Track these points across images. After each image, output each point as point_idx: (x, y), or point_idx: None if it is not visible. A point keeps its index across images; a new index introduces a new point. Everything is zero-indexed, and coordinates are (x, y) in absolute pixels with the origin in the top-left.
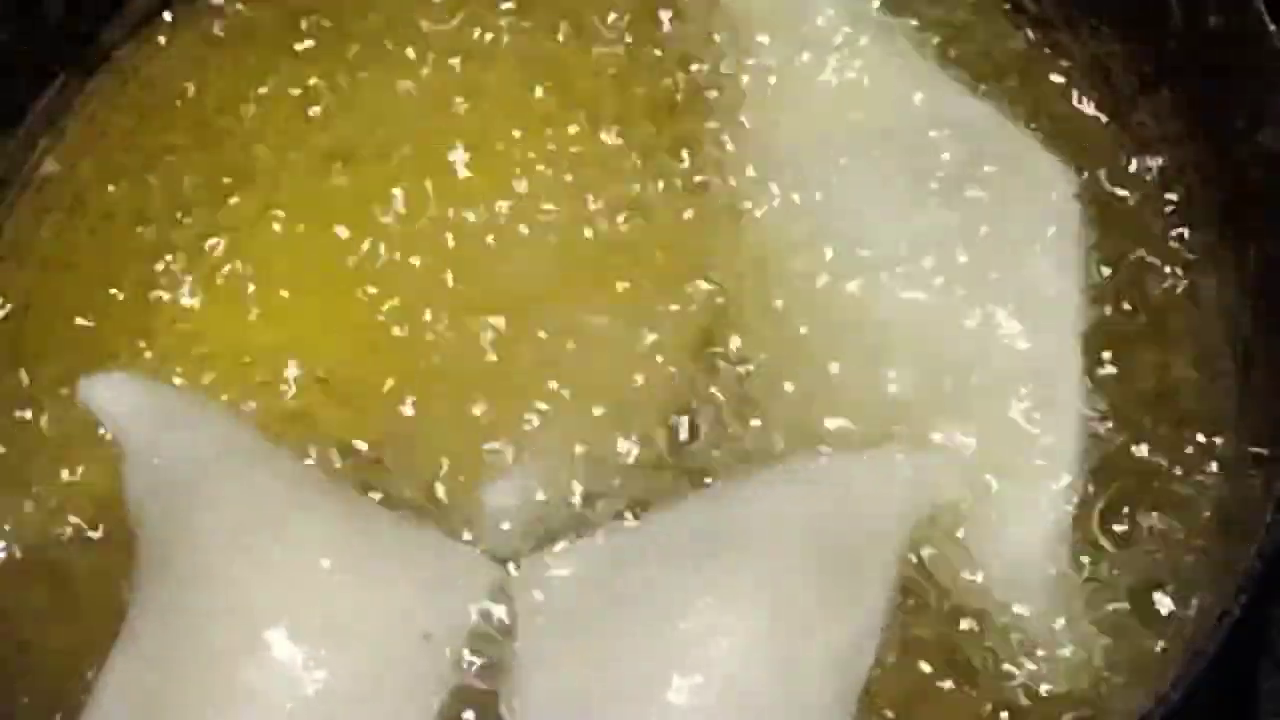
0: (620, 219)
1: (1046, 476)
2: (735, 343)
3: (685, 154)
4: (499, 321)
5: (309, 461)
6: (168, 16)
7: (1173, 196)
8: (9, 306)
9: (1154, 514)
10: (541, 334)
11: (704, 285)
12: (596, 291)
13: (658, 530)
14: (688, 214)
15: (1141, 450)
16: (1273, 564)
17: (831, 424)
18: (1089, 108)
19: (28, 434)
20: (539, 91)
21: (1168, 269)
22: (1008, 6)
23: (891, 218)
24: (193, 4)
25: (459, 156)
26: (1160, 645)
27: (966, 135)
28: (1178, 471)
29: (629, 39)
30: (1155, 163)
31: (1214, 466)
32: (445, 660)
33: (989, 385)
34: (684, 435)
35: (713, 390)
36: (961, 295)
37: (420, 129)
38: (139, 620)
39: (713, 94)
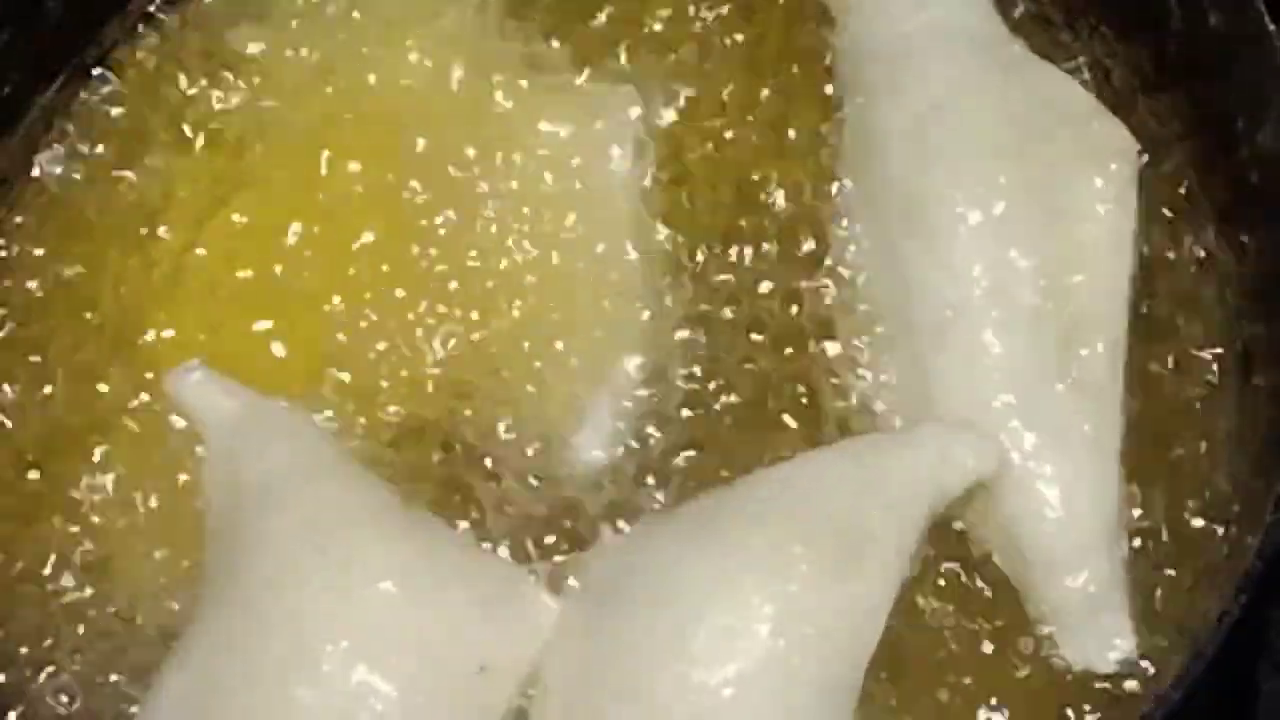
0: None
1: (1086, 459)
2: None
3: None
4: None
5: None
6: (168, 16)
7: (1173, 197)
8: (10, 307)
9: (1154, 513)
10: (592, 329)
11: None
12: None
13: (670, 514)
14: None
15: (1140, 450)
16: (1273, 564)
17: (867, 405)
18: None
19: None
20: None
21: (1167, 269)
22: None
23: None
24: (193, 3)
25: None
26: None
27: (1036, 97)
28: (1177, 472)
29: None
30: (1155, 163)
31: (1214, 467)
32: (499, 694)
33: (1030, 364)
34: (733, 419)
35: (748, 366)
36: (1010, 266)
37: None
38: (196, 632)
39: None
